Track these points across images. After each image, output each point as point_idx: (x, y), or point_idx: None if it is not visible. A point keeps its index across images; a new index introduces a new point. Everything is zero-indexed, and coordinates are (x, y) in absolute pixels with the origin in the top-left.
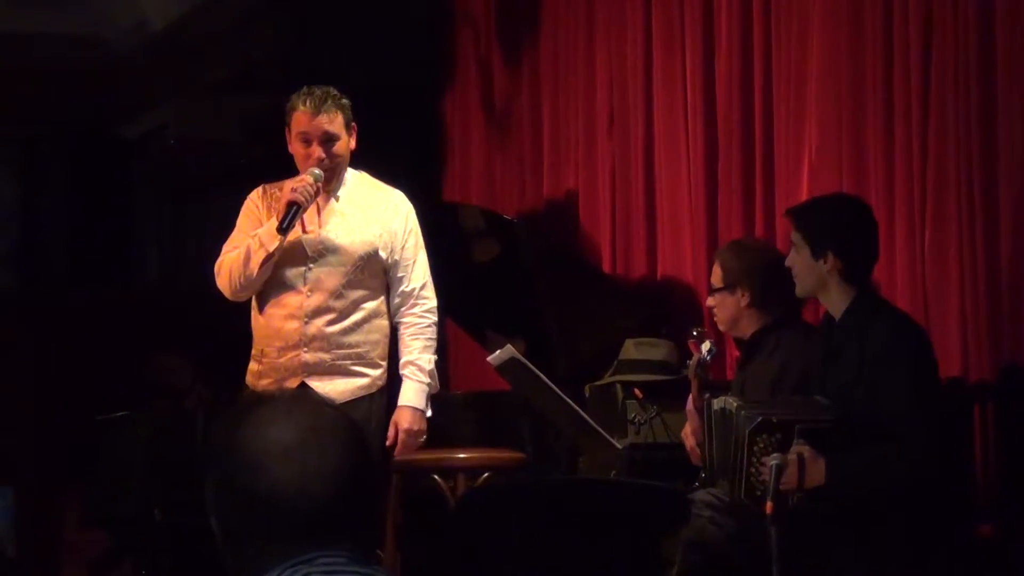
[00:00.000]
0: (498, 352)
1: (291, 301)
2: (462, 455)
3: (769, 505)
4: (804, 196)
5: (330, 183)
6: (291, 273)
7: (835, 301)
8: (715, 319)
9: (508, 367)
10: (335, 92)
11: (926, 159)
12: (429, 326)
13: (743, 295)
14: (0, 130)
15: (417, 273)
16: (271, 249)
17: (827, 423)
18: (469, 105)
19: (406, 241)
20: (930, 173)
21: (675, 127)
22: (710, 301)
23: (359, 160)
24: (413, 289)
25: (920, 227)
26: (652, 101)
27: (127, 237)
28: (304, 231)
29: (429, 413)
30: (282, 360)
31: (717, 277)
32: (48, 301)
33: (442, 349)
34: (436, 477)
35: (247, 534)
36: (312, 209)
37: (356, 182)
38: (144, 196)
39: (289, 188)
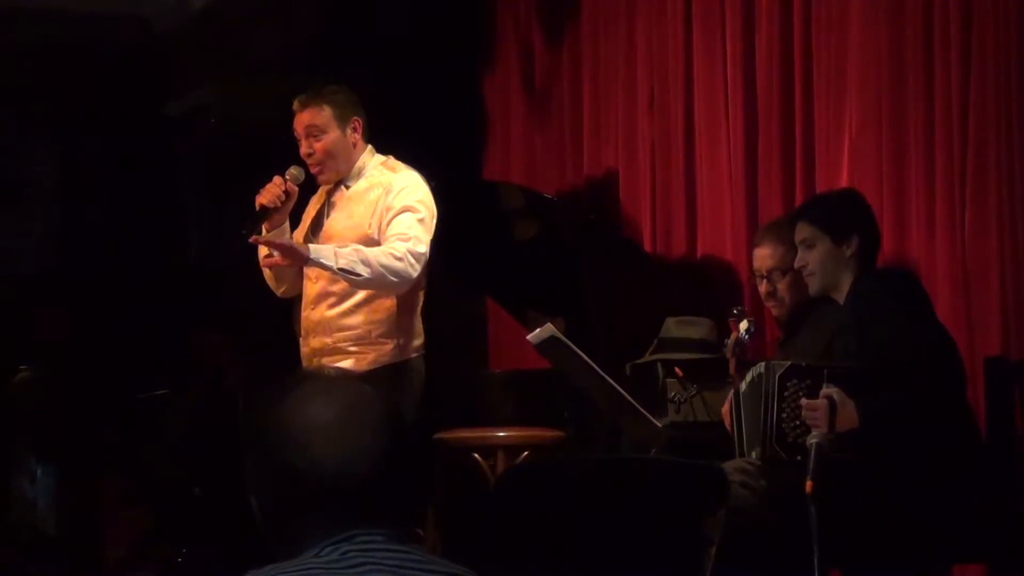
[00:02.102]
0: (538, 330)
1: (306, 290)
2: (502, 434)
3: (809, 484)
4: (844, 175)
5: (324, 176)
6: (309, 265)
7: (845, 290)
8: (780, 302)
9: (548, 345)
10: (334, 87)
11: (966, 138)
12: (382, 253)
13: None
14: (41, 109)
15: (395, 230)
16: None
17: (856, 367)
18: (509, 84)
19: (391, 214)
20: (970, 152)
21: (715, 105)
22: (784, 284)
23: (399, 139)
24: (391, 237)
25: (960, 206)
26: (692, 80)
27: (168, 216)
28: (316, 224)
29: (310, 255)
30: (304, 349)
31: (787, 258)
32: (89, 280)
33: (482, 328)
34: (476, 456)
35: (287, 512)
36: (327, 202)
37: (372, 171)
38: (185, 176)
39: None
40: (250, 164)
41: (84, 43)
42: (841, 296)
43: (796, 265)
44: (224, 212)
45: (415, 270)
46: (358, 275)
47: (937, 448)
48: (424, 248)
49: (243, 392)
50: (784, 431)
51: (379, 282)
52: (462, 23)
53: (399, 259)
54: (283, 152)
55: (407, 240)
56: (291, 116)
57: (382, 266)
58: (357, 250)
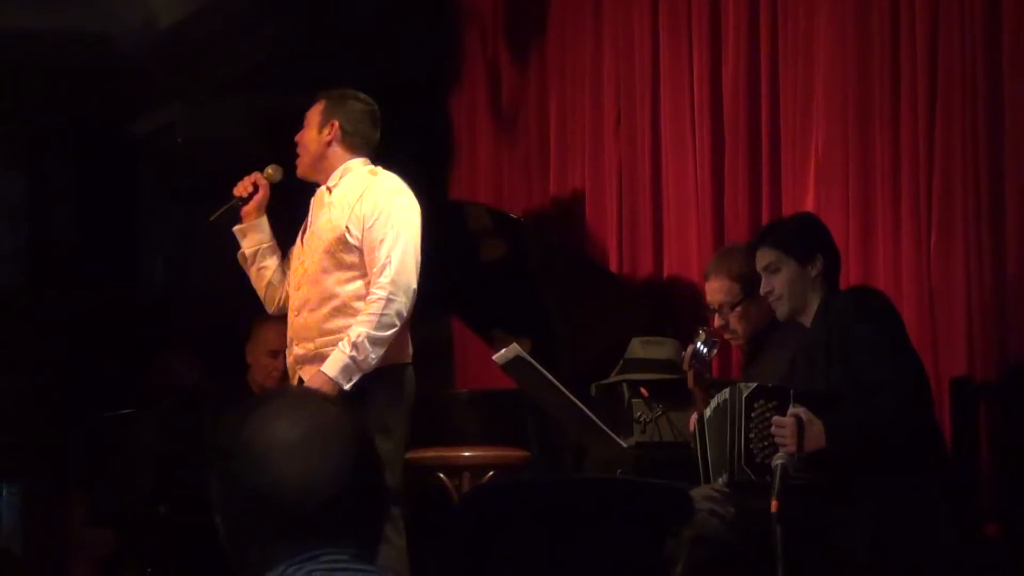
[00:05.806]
0: (504, 350)
1: (291, 299)
2: (467, 453)
3: (774, 504)
4: (811, 197)
5: (299, 168)
6: (294, 273)
7: (812, 312)
8: (735, 334)
9: (514, 365)
10: (342, 89)
11: (932, 160)
12: (374, 302)
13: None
14: (6, 129)
15: (379, 254)
16: (243, 250)
17: (821, 390)
18: (476, 104)
19: (374, 222)
20: (936, 174)
21: (682, 127)
22: (734, 316)
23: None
24: (375, 271)
25: (926, 228)
26: (659, 101)
27: (134, 235)
28: (304, 229)
29: (347, 386)
30: (288, 359)
31: (733, 291)
32: (55, 299)
33: (448, 347)
34: (441, 475)
35: (251, 532)
36: (313, 207)
37: (355, 175)
38: (152, 194)
39: None
40: (216, 183)
41: (49, 62)
42: (808, 319)
43: (762, 291)
44: (191, 231)
45: (404, 297)
46: (366, 359)
47: (904, 469)
48: (405, 271)
49: (209, 411)
50: (752, 452)
51: (386, 338)
52: (429, 43)
53: (375, 301)
54: (249, 171)
55: (386, 278)
56: (256, 135)
57: (370, 338)
58: (350, 337)
